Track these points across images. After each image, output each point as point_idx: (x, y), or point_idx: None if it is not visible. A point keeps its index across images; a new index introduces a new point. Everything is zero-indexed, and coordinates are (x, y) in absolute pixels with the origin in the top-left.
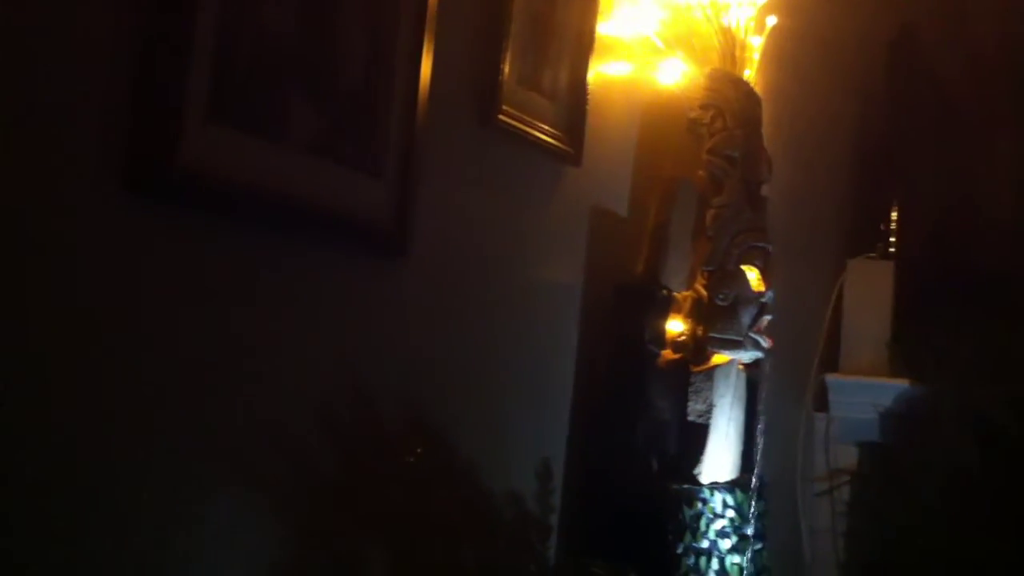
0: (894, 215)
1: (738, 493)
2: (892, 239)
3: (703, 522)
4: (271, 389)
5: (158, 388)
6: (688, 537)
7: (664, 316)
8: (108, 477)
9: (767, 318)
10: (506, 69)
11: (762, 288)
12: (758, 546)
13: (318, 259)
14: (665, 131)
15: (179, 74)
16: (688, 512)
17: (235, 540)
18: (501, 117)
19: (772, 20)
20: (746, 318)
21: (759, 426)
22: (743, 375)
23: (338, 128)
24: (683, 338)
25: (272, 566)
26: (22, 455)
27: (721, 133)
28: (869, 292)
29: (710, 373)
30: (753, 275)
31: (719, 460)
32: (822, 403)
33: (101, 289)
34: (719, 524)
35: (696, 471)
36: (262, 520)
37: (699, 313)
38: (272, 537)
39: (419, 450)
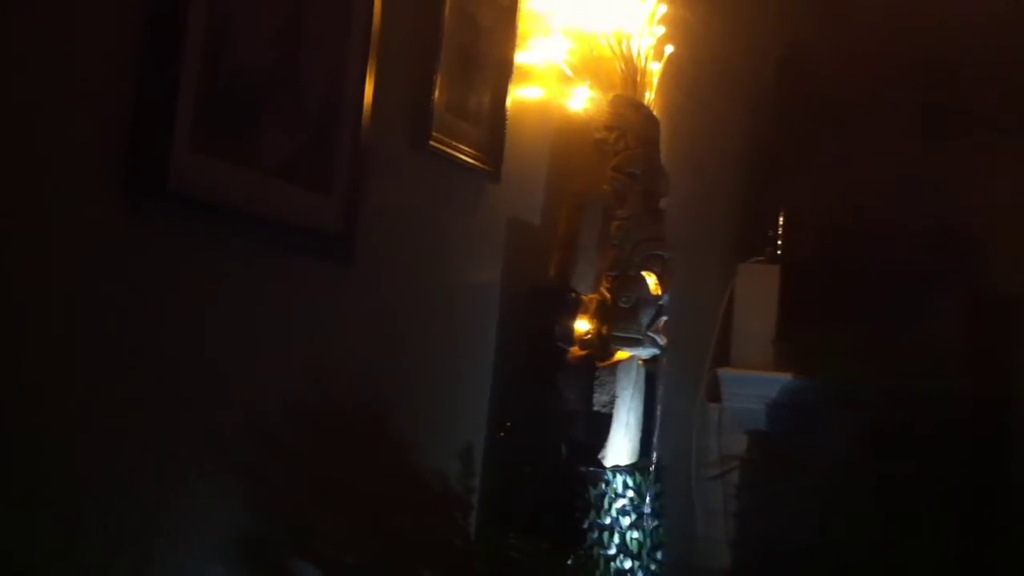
0: (781, 221)
1: (638, 475)
2: (779, 243)
3: (606, 501)
4: (244, 378)
5: (147, 381)
6: (593, 514)
7: (573, 316)
8: (104, 459)
9: (664, 318)
10: (436, 99)
11: (660, 291)
12: (655, 523)
13: (281, 266)
14: (574, 150)
15: (168, 109)
16: (593, 492)
17: (207, 512)
18: (432, 142)
19: (670, 48)
20: (645, 318)
21: (657, 415)
22: (643, 369)
23: (300, 152)
24: (589, 336)
25: (235, 533)
26: (24, 443)
27: (624, 152)
28: (757, 293)
29: (613, 368)
30: (652, 280)
31: (621, 446)
32: (714, 394)
33: (100, 291)
34: (620, 503)
35: (600, 455)
36: (230, 493)
37: (604, 314)
38: (236, 509)
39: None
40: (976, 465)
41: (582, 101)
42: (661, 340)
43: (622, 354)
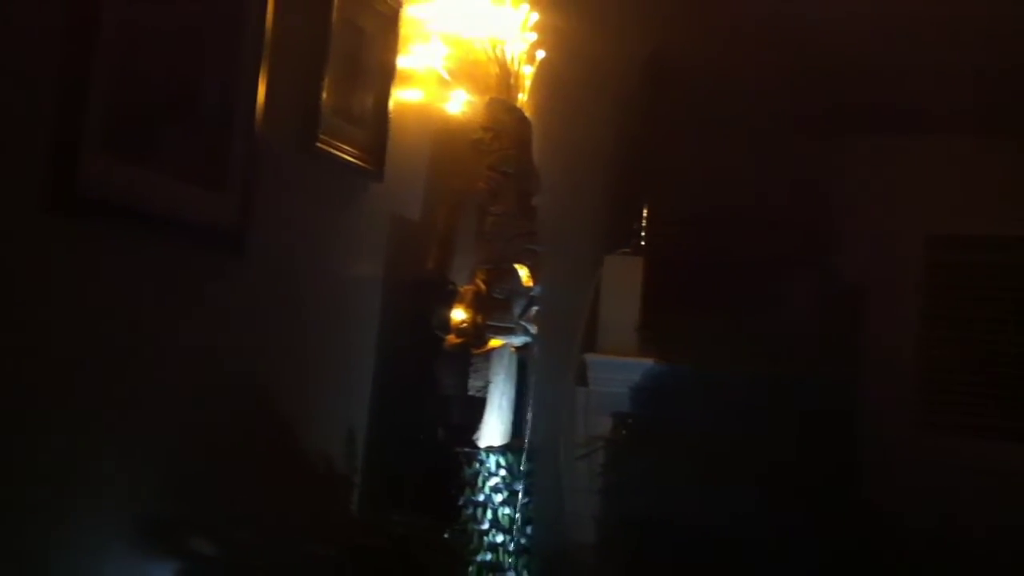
0: (645, 214)
1: (510, 455)
2: (644, 236)
3: (480, 479)
4: (144, 361)
5: (58, 365)
6: (468, 492)
7: (450, 306)
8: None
9: (536, 308)
10: (323, 102)
11: (532, 283)
12: (526, 500)
13: (180, 259)
14: (452, 151)
15: (78, 118)
16: (468, 471)
17: (110, 490)
18: (319, 144)
19: (542, 53)
20: (518, 308)
21: (528, 399)
22: (515, 356)
23: (196, 153)
24: (465, 325)
25: (137, 509)
26: None
27: (498, 152)
28: (622, 284)
29: (488, 355)
30: (524, 272)
31: (494, 427)
32: (582, 379)
33: (19, 287)
34: (493, 481)
35: (475, 437)
36: (132, 470)
37: (479, 304)
38: (149, 484)
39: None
40: (827, 441)
41: (460, 104)
42: (532, 328)
43: (496, 342)
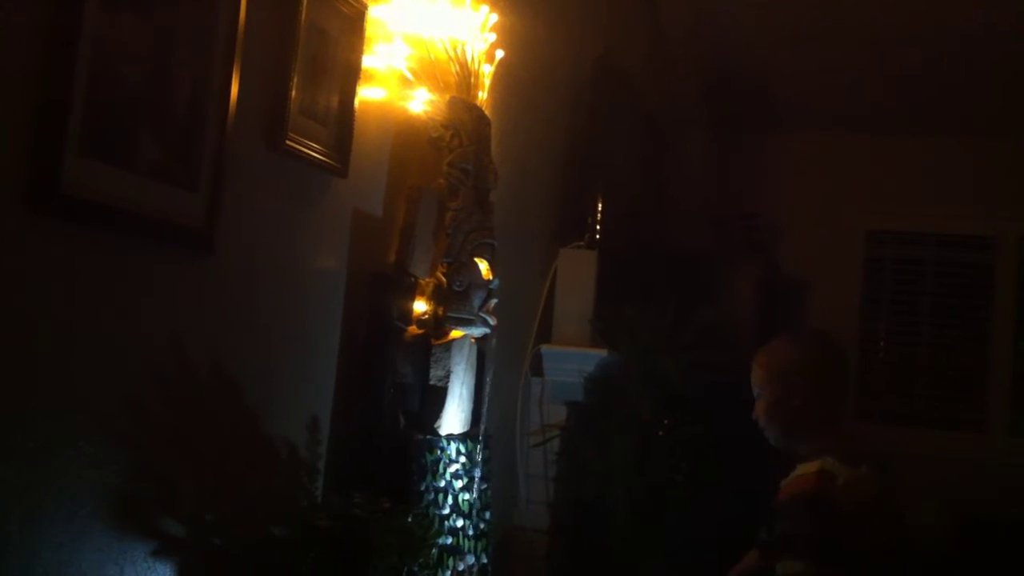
0: (599, 209)
1: (469, 443)
2: (597, 230)
3: (441, 466)
4: (118, 353)
5: (34, 356)
6: (429, 478)
7: (411, 299)
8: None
9: (494, 300)
10: (291, 102)
11: (490, 276)
12: (484, 486)
13: (154, 256)
14: (413, 148)
15: (61, 122)
16: (429, 458)
17: (85, 474)
18: (287, 142)
19: (500, 53)
20: (477, 301)
21: (486, 388)
22: (474, 347)
23: (169, 154)
24: (426, 317)
25: (111, 493)
26: None
27: (457, 150)
28: (576, 276)
29: (448, 345)
30: (483, 265)
31: (454, 416)
32: (537, 369)
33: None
34: (453, 468)
35: (436, 424)
36: (106, 456)
37: (439, 296)
38: (111, 472)
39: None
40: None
41: (421, 102)
42: (491, 320)
43: (456, 333)
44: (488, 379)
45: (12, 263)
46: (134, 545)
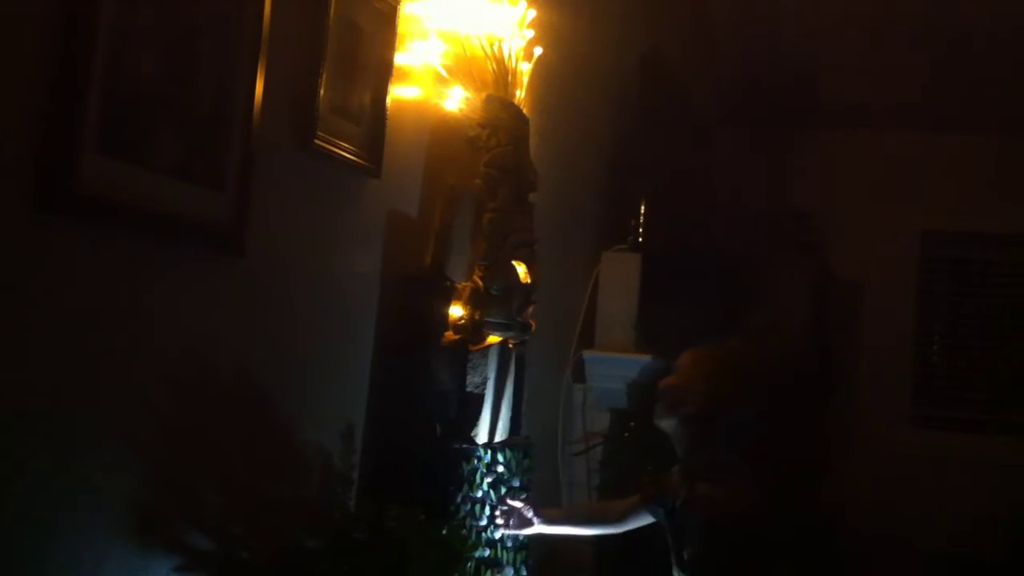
0: (642, 211)
1: (508, 451)
2: (641, 232)
3: (478, 476)
4: (143, 360)
5: (53, 364)
6: (466, 488)
7: (447, 303)
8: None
9: (533, 305)
10: (321, 100)
11: (529, 279)
12: (524, 496)
13: (178, 258)
14: (449, 147)
15: (77, 117)
16: (466, 467)
17: (107, 487)
18: (317, 141)
19: (539, 50)
20: (515, 304)
21: (525, 395)
22: (512, 353)
23: (193, 152)
24: (463, 321)
25: (134, 506)
26: None
27: (495, 149)
28: (620, 280)
29: (485, 351)
30: (521, 268)
31: (492, 424)
32: (580, 375)
33: (13, 285)
34: (491, 477)
35: (473, 433)
36: (128, 468)
37: (476, 300)
38: (134, 484)
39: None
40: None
41: (457, 101)
42: (530, 325)
43: (493, 338)
44: (527, 385)
45: (25, 266)
46: (158, 561)
